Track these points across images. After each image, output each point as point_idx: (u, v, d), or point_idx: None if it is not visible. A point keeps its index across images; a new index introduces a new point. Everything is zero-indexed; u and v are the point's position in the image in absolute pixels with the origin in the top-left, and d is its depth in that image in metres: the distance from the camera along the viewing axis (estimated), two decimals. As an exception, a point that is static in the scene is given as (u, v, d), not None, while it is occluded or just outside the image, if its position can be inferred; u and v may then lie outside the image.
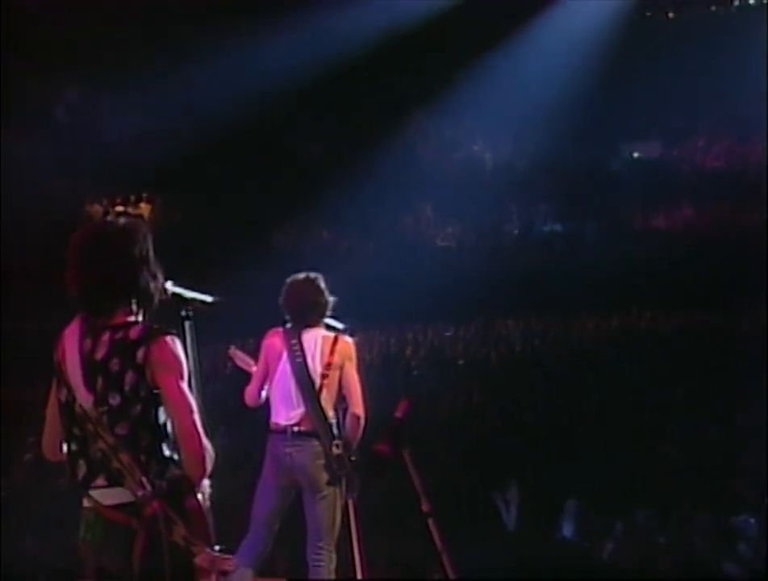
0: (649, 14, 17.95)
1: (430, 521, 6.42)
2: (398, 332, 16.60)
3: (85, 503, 4.33)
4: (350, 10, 16.90)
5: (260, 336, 8.42)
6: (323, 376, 7.39)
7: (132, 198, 17.93)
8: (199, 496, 4.32)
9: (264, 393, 7.63)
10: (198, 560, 4.13)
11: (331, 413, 7.39)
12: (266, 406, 7.64)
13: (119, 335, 4.30)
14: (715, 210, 17.45)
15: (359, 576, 7.30)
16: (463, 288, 15.93)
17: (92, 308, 4.39)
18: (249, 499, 7.56)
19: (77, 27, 16.48)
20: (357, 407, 7.35)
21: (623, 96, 17.76)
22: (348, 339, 7.54)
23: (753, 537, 11.76)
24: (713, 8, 17.90)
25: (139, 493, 4.17)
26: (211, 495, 4.43)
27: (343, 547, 7.41)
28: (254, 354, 7.76)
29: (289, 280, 7.57)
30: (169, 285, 4.67)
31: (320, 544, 7.30)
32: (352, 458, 7.26)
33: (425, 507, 6.43)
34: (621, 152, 19.52)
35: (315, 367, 7.41)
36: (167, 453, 4.28)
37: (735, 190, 17.24)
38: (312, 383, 7.36)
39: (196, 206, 17.78)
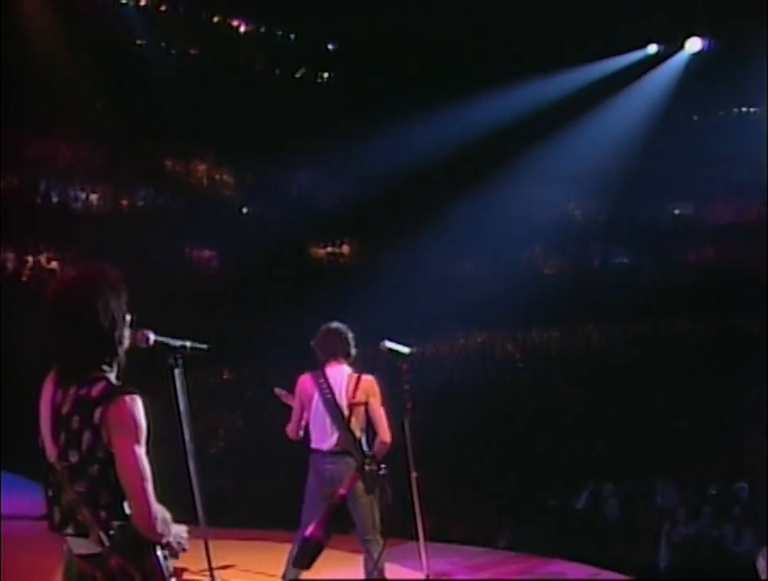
0: (681, 115, 20.21)
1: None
2: (511, 334, 19.08)
3: (64, 545, 3.94)
4: (472, 109, 18.49)
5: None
6: (350, 407, 7.50)
7: (337, 242, 20.25)
8: (159, 553, 3.86)
9: (302, 428, 7.70)
10: None
11: (359, 434, 7.54)
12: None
13: (83, 391, 3.79)
14: (727, 248, 20.03)
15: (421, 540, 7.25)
16: (560, 301, 18.87)
17: (58, 363, 3.90)
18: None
19: (300, 131, 18.70)
20: (385, 435, 7.48)
21: (668, 172, 19.84)
22: (370, 377, 7.60)
23: (745, 501, 12.32)
24: (721, 113, 20.55)
25: (99, 548, 3.79)
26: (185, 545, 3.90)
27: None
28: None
29: (323, 327, 7.73)
30: (151, 335, 4.26)
31: (367, 537, 7.46)
32: (381, 472, 7.33)
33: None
34: (667, 209, 21.85)
35: (342, 400, 7.53)
36: (128, 511, 3.79)
37: (739, 234, 19.57)
38: (342, 414, 7.51)
39: (375, 245, 19.61)
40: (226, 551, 8.78)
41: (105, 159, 18.32)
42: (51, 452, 3.87)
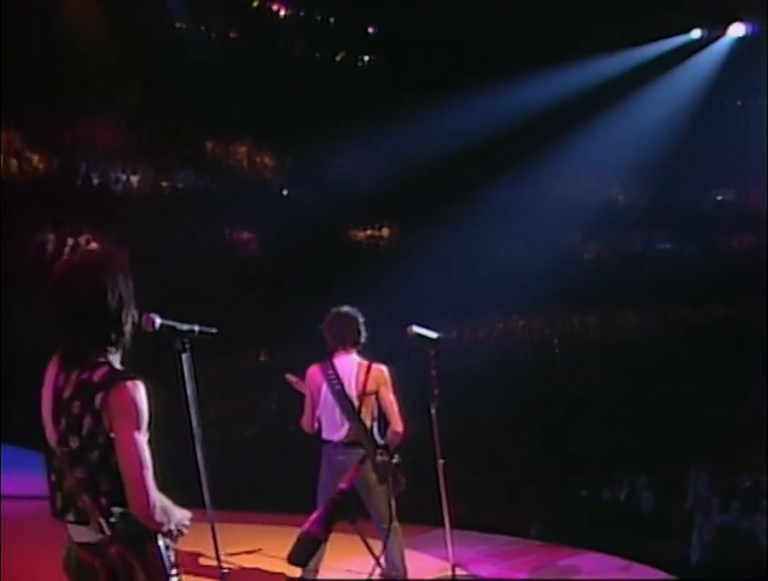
0: (725, 101, 19.97)
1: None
2: (549, 318, 18.50)
3: (66, 533, 3.88)
4: (513, 93, 18.25)
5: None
6: (360, 397, 7.38)
7: (377, 225, 20.05)
8: (161, 542, 3.76)
9: (316, 421, 7.59)
10: None
11: (369, 423, 7.44)
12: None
13: (85, 375, 3.72)
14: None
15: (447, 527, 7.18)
16: (601, 288, 18.43)
17: (62, 346, 3.83)
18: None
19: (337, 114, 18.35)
20: (397, 425, 7.39)
21: (711, 156, 19.53)
22: (382, 367, 7.48)
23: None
24: (765, 99, 18.88)
25: (99, 536, 3.71)
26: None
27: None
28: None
29: (333, 310, 7.55)
30: (157, 318, 4.14)
31: (383, 526, 7.37)
32: (394, 461, 7.36)
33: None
34: (709, 195, 21.51)
35: (352, 391, 7.40)
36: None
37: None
38: (352, 405, 7.37)
39: (415, 229, 19.33)
40: (257, 536, 8.84)
41: (145, 141, 18.26)
42: (51, 437, 3.81)
